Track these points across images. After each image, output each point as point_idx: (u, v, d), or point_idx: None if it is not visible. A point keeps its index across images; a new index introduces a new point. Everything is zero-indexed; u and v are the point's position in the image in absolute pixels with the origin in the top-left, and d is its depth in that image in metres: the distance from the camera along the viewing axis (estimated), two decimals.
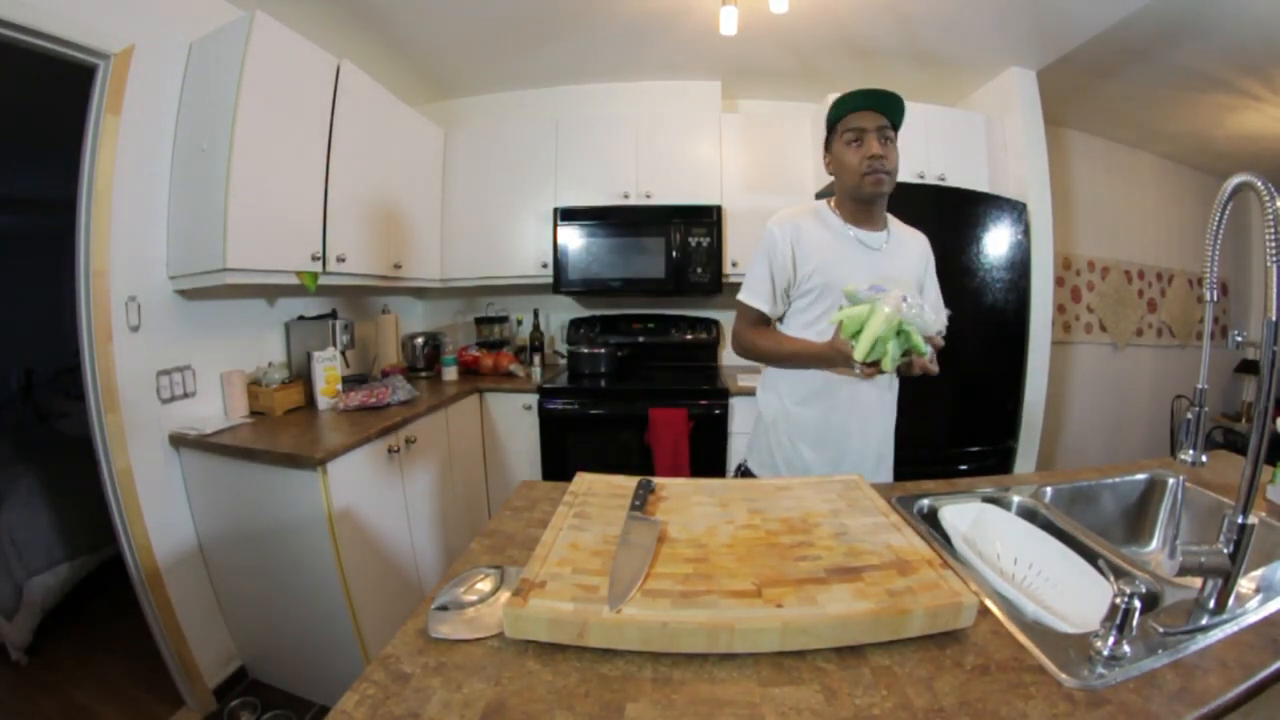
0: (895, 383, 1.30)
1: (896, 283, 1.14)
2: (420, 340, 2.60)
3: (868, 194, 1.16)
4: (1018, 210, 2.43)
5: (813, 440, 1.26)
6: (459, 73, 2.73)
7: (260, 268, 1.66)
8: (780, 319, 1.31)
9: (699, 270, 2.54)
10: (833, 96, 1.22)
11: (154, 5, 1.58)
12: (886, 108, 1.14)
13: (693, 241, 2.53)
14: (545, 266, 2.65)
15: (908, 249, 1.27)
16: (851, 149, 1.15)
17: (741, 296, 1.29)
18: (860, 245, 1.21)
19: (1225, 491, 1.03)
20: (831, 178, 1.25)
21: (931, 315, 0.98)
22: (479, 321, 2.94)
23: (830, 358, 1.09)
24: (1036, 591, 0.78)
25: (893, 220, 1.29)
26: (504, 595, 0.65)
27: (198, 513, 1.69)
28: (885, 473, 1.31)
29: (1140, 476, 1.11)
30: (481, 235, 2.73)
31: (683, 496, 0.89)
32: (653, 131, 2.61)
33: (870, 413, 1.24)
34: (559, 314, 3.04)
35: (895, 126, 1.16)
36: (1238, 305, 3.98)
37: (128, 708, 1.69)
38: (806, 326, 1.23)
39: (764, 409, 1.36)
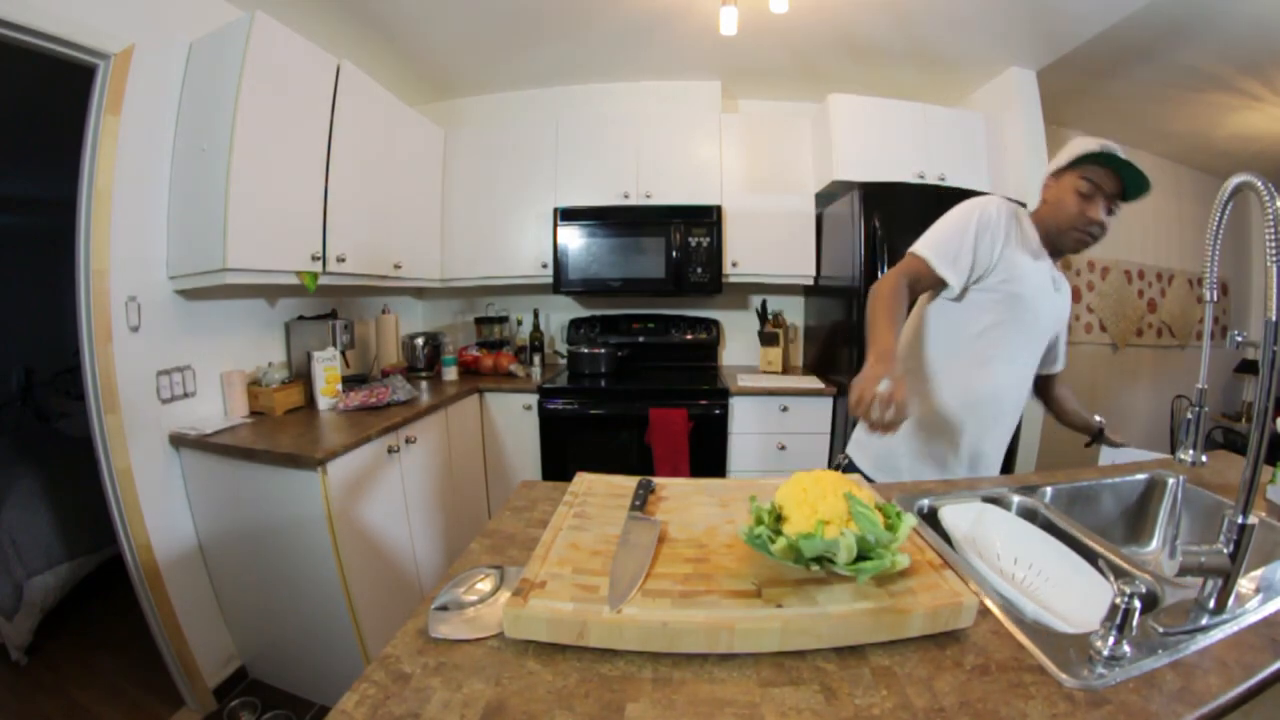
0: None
1: (1056, 327, 1.23)
2: (420, 340, 2.60)
3: (1065, 248, 1.16)
4: None
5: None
6: (459, 73, 2.73)
7: (260, 268, 1.66)
8: (959, 298, 1.17)
9: (699, 270, 2.54)
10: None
11: (154, 5, 1.58)
12: (1131, 183, 1.08)
13: (693, 241, 2.53)
14: (545, 266, 2.65)
15: (1066, 295, 1.23)
16: (1078, 199, 1.10)
17: (926, 253, 1.14)
18: (1049, 278, 1.17)
19: (1225, 491, 1.03)
20: (1035, 205, 1.21)
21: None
22: (479, 321, 2.95)
23: (875, 371, 0.95)
24: (1036, 591, 0.78)
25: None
26: (504, 595, 0.65)
27: (198, 513, 1.69)
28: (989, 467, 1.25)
29: (1140, 476, 1.11)
30: (481, 235, 2.73)
31: (683, 496, 0.89)
32: (653, 131, 2.61)
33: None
34: (559, 314, 3.04)
35: (1125, 199, 1.11)
36: (1238, 305, 3.98)
37: (128, 708, 1.69)
38: (976, 330, 1.15)
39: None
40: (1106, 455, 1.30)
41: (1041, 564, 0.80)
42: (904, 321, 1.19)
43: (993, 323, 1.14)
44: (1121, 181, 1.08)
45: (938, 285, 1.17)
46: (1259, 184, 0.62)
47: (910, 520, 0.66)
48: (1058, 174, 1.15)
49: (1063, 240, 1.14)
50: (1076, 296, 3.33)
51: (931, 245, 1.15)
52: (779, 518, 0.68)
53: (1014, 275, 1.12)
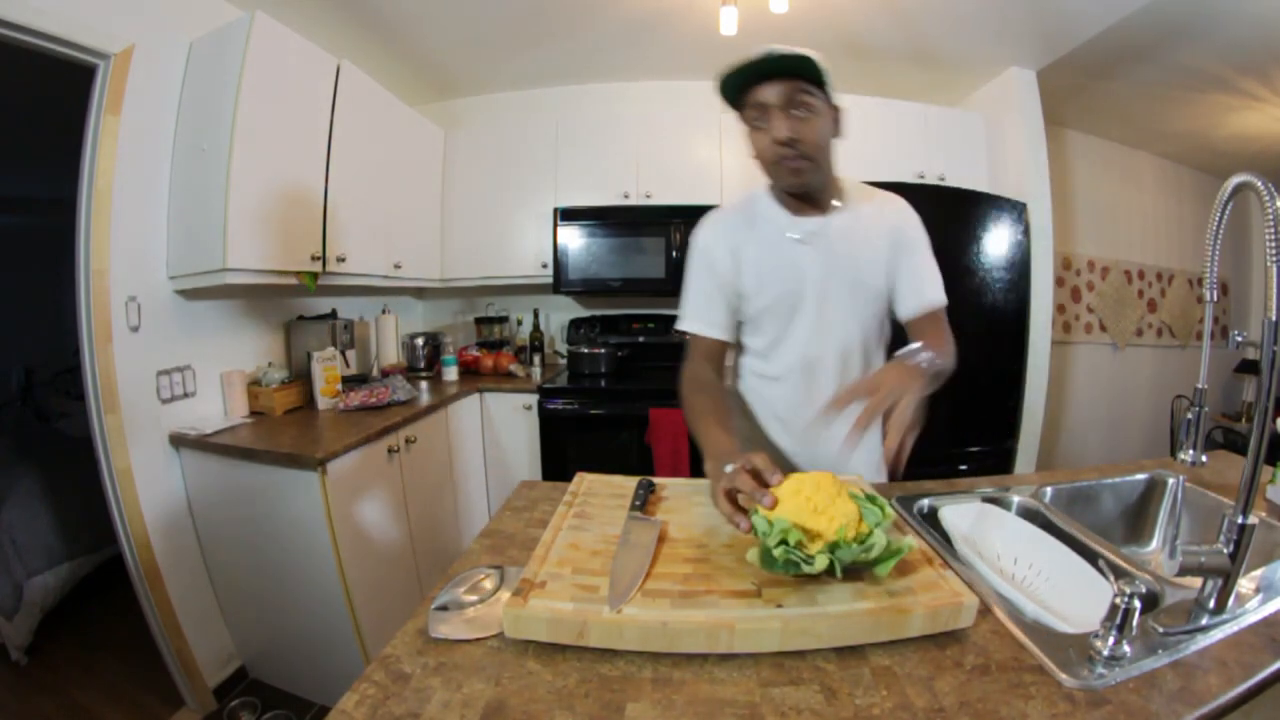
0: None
1: (838, 277, 0.99)
2: (420, 340, 2.60)
3: (787, 186, 0.96)
4: (1018, 210, 2.43)
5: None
6: (459, 73, 2.73)
7: (260, 268, 1.66)
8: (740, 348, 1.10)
9: None
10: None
11: (154, 5, 1.58)
12: (792, 70, 0.85)
13: None
14: (545, 266, 2.64)
15: (867, 226, 1.02)
16: (757, 132, 0.91)
17: (683, 326, 1.07)
18: (803, 238, 1.00)
19: (1225, 491, 1.03)
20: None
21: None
22: (479, 321, 2.94)
23: (713, 470, 0.78)
24: (1036, 591, 0.78)
25: (854, 191, 1.04)
26: (504, 595, 0.65)
27: (198, 513, 1.69)
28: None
29: (1140, 476, 1.10)
30: (481, 235, 2.73)
31: (683, 496, 0.89)
32: (653, 131, 2.60)
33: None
34: (559, 314, 3.04)
35: (817, 83, 0.87)
36: (1238, 305, 3.98)
37: (128, 708, 1.69)
38: (765, 353, 1.06)
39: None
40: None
41: (1041, 564, 0.80)
42: (723, 397, 1.05)
43: (776, 337, 1.04)
44: (783, 80, 0.86)
45: (725, 344, 1.08)
46: (1259, 184, 0.62)
47: (885, 502, 0.70)
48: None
49: (780, 179, 0.96)
50: (1076, 296, 3.33)
51: (685, 315, 1.08)
52: (800, 540, 0.63)
53: (763, 274, 1.02)
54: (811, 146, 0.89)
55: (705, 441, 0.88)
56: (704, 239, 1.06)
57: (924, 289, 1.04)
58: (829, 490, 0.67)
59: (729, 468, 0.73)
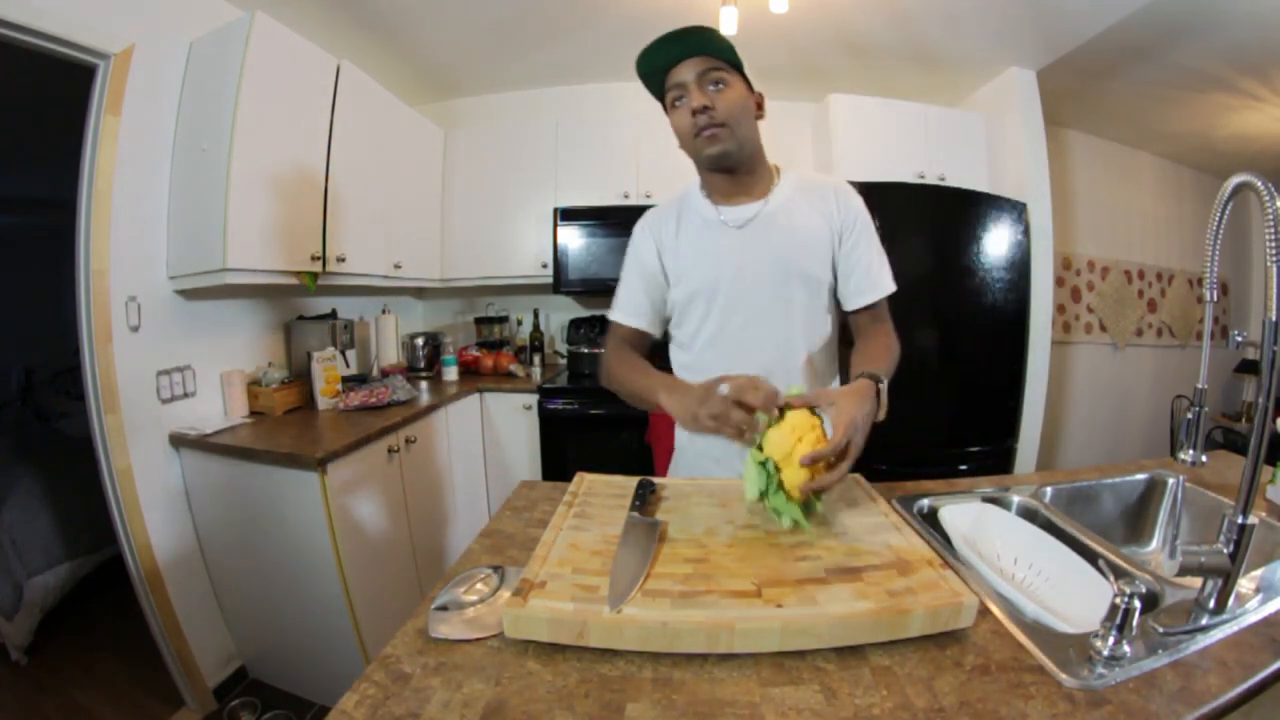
0: None
1: (768, 263, 0.97)
2: (420, 340, 2.60)
3: (709, 158, 0.95)
4: (1018, 210, 2.43)
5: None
6: (459, 73, 2.73)
7: (260, 268, 1.66)
8: (666, 341, 1.11)
9: None
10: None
11: (154, 5, 1.58)
12: (702, 46, 0.89)
13: None
14: (545, 266, 2.64)
15: (803, 212, 1.00)
16: (678, 111, 0.94)
17: (610, 314, 1.11)
18: (727, 228, 1.00)
19: (1225, 491, 1.03)
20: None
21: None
22: (479, 321, 2.94)
23: (686, 406, 0.80)
24: (1036, 591, 0.78)
25: (790, 179, 1.03)
26: (504, 595, 0.65)
27: (198, 513, 1.69)
28: None
29: (1140, 476, 1.10)
30: (481, 235, 2.73)
31: (683, 496, 0.89)
32: (653, 131, 2.57)
33: None
34: (559, 314, 3.04)
35: (732, 64, 0.91)
36: (1238, 305, 3.98)
37: (128, 708, 1.69)
38: (687, 344, 1.05)
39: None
40: None
41: (1041, 564, 0.80)
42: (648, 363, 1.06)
43: (698, 328, 1.03)
44: (696, 58, 0.89)
45: (645, 335, 1.11)
46: (1259, 184, 0.62)
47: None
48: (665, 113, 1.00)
49: (701, 158, 0.97)
50: (1076, 296, 3.33)
51: (614, 305, 1.11)
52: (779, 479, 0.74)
53: (687, 265, 1.02)
54: (725, 114, 0.91)
55: (653, 381, 0.93)
56: (636, 234, 1.09)
57: (874, 278, 1.02)
58: (809, 440, 0.74)
59: (725, 387, 0.77)
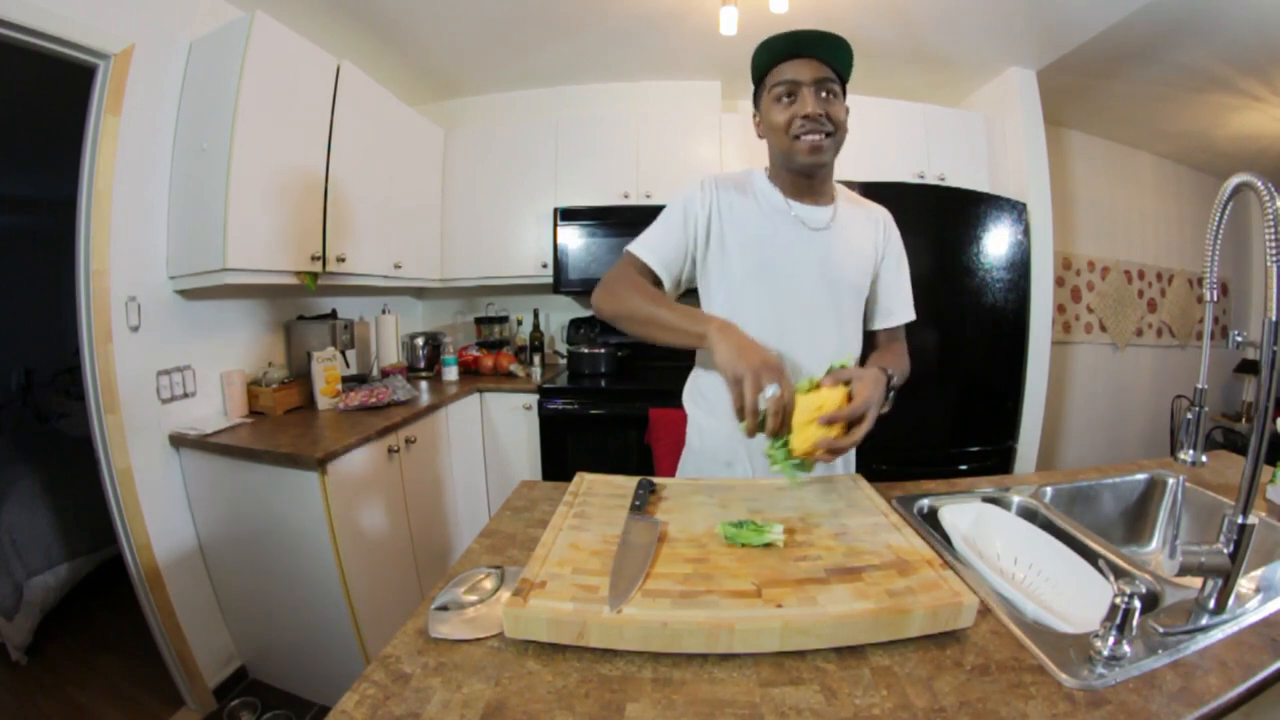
0: None
1: (831, 269, 0.99)
2: (420, 340, 2.60)
3: (802, 163, 0.95)
4: (1018, 210, 2.43)
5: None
6: (459, 73, 2.73)
7: (260, 268, 1.66)
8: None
9: None
10: None
11: (154, 5, 1.58)
12: (829, 54, 0.91)
13: None
14: (545, 266, 2.64)
15: (859, 230, 1.05)
16: (781, 106, 0.93)
17: (632, 248, 1.04)
18: (800, 224, 1.00)
19: (1225, 491, 1.03)
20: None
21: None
22: (479, 321, 2.94)
23: (744, 354, 0.80)
24: (1036, 591, 0.78)
25: (844, 193, 1.07)
26: (504, 595, 0.65)
27: (198, 513, 1.69)
28: None
29: (1140, 476, 1.10)
30: (481, 235, 2.73)
31: (683, 496, 0.89)
32: (653, 131, 2.60)
33: None
34: (559, 314, 3.04)
35: (842, 79, 0.94)
36: (1238, 305, 3.98)
37: (128, 708, 1.69)
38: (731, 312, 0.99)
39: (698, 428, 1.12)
40: None
41: (1041, 564, 0.81)
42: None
43: (749, 301, 1.00)
44: (818, 62, 0.91)
45: (657, 280, 1.05)
46: (1259, 184, 0.62)
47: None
48: (756, 104, 1.01)
49: (793, 159, 0.96)
50: (1076, 296, 3.33)
51: (640, 241, 1.05)
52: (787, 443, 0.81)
53: (747, 240, 1.01)
54: (836, 126, 0.93)
55: (698, 314, 0.91)
56: (691, 190, 1.04)
57: (902, 303, 1.11)
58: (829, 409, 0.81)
59: (773, 389, 0.77)
